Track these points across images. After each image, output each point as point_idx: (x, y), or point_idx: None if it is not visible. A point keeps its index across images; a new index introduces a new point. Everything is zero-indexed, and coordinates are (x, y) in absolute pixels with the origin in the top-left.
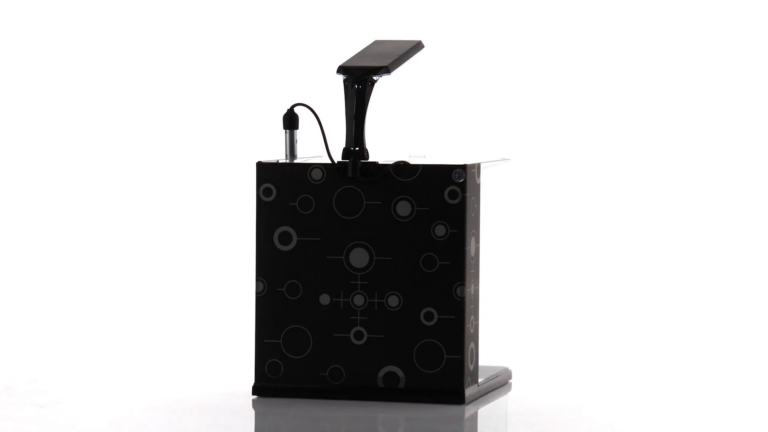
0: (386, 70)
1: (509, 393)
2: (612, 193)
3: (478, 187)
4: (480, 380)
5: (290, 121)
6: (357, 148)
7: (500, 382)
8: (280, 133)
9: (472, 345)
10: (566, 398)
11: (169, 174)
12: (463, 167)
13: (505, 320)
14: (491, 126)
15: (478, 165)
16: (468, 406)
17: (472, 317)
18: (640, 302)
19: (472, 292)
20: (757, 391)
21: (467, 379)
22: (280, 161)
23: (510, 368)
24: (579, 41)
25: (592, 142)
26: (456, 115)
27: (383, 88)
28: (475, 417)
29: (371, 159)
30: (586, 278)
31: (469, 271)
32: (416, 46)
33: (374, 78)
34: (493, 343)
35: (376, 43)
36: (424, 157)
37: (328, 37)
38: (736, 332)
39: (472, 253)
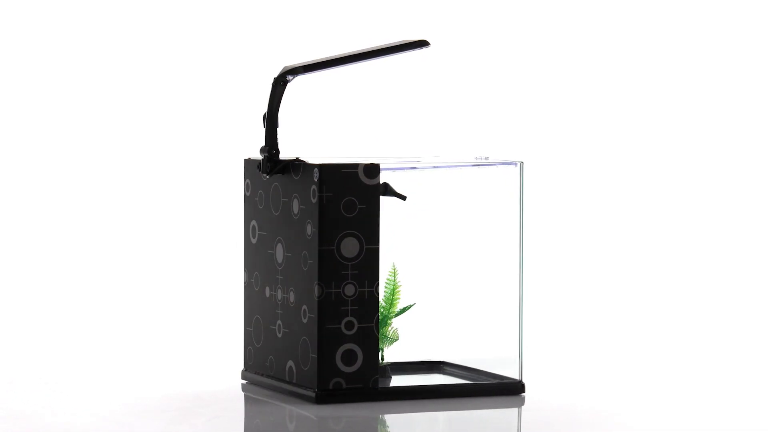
0: (302, 70)
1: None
2: (615, 193)
3: (369, 188)
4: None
5: None
6: (267, 146)
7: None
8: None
9: (351, 347)
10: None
11: (179, 169)
12: (319, 167)
13: (506, 325)
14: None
15: (366, 166)
16: (336, 406)
17: (351, 319)
18: (643, 305)
19: (350, 293)
20: None
21: (335, 380)
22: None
23: (523, 381)
24: (580, 43)
25: (593, 145)
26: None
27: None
28: (338, 419)
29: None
30: (592, 282)
31: (339, 272)
32: (406, 45)
33: (288, 78)
34: (503, 352)
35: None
36: (487, 158)
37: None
38: (739, 333)
39: (351, 254)
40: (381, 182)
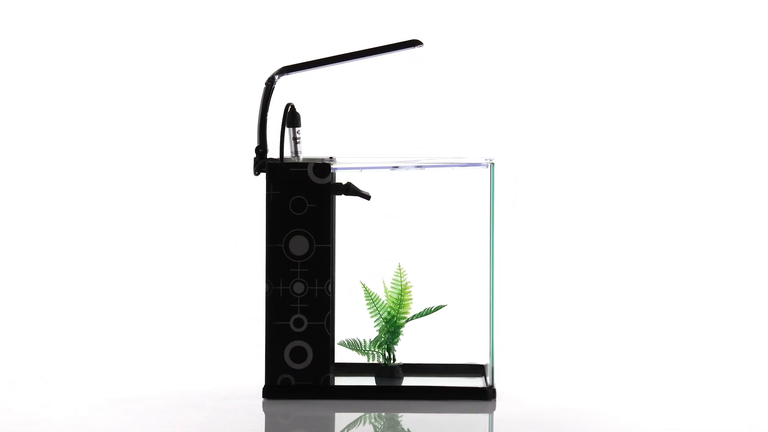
0: (284, 70)
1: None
2: (595, 192)
3: (319, 187)
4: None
5: (291, 118)
6: (257, 146)
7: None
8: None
9: (300, 344)
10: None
11: (204, 168)
12: (267, 165)
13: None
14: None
15: (317, 164)
16: (283, 402)
17: (300, 316)
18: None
19: (299, 291)
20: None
21: (283, 376)
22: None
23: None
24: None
25: (572, 144)
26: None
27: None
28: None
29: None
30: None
31: (287, 270)
32: (399, 45)
33: (276, 78)
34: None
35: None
36: (491, 159)
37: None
38: (711, 338)
39: (300, 252)
40: (345, 181)
